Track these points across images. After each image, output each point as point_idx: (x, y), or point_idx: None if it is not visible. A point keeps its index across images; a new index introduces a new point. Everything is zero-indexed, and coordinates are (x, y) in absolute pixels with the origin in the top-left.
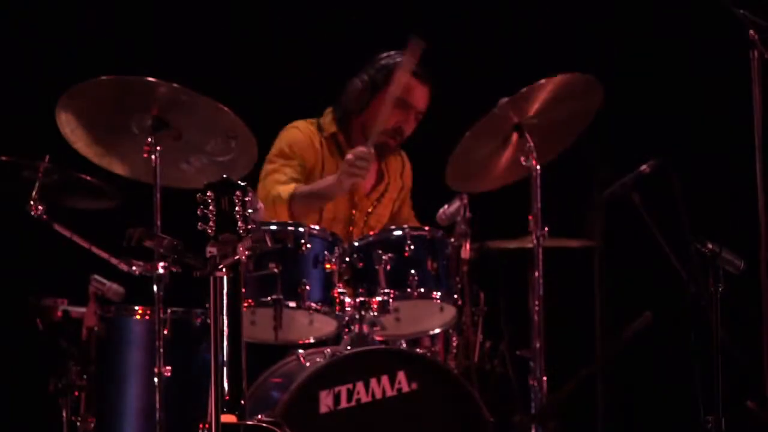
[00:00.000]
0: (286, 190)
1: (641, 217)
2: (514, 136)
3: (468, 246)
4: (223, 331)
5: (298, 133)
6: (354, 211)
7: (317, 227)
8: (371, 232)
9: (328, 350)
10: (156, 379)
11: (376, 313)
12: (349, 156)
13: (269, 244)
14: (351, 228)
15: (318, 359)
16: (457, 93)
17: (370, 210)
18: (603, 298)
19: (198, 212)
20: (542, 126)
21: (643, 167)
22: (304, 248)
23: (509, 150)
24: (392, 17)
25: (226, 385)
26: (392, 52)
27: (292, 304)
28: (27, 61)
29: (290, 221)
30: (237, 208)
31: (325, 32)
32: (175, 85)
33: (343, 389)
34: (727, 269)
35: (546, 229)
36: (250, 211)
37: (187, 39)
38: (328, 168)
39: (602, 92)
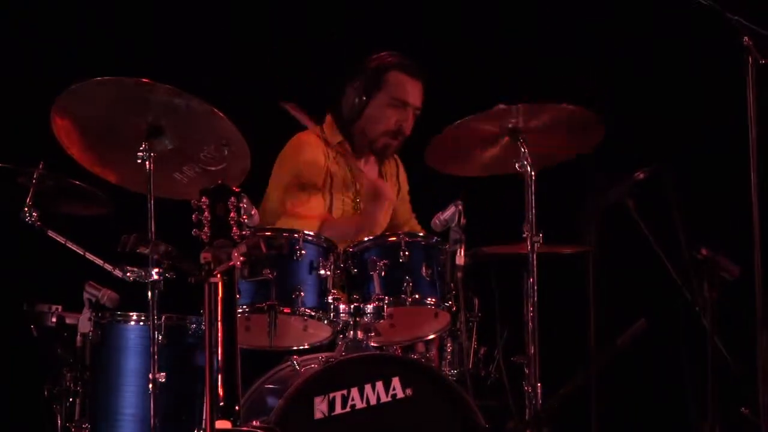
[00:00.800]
0: (309, 227)
1: (636, 223)
2: (506, 139)
3: (462, 252)
4: (217, 337)
5: (307, 148)
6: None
7: (312, 233)
8: (366, 238)
9: (323, 356)
10: (151, 385)
11: (370, 319)
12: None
13: (264, 250)
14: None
15: (313, 365)
16: (454, 98)
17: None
18: (597, 304)
19: (193, 218)
20: (536, 141)
21: (638, 173)
22: (298, 254)
23: (497, 148)
24: (389, 19)
25: (220, 391)
26: (383, 53)
27: (287, 310)
28: (22, 67)
29: (285, 227)
30: (232, 214)
31: (321, 32)
32: (168, 86)
33: (338, 395)
34: (722, 275)
35: (540, 235)
36: (244, 217)
37: (182, 44)
38: (336, 181)
39: (603, 132)
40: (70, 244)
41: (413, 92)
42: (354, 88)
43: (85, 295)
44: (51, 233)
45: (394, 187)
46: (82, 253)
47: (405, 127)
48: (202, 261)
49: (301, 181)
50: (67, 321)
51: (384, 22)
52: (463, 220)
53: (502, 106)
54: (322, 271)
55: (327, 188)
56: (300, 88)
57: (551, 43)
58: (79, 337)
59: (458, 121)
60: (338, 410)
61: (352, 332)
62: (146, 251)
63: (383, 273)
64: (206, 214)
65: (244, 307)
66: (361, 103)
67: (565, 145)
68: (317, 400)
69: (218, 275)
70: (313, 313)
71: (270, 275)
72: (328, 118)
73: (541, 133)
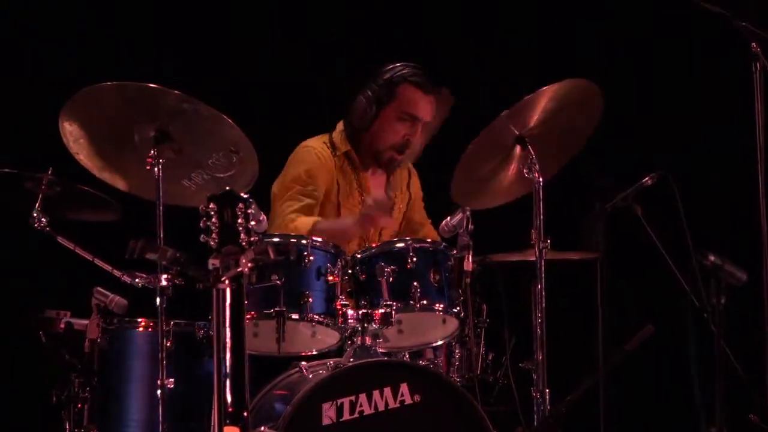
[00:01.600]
0: (305, 224)
1: (643, 229)
2: (517, 149)
3: (470, 258)
4: (225, 343)
5: (313, 156)
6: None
7: (320, 239)
8: (374, 244)
9: (331, 362)
10: (159, 391)
11: (378, 325)
12: (369, 202)
13: (272, 256)
14: (367, 244)
15: (321, 371)
16: (464, 102)
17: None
18: (605, 310)
19: (201, 224)
20: (545, 136)
21: (645, 179)
22: (306, 260)
23: (514, 164)
24: (396, 27)
25: (229, 397)
26: (397, 65)
27: (295, 316)
28: (31, 72)
29: (293, 233)
30: (240, 220)
31: (331, 42)
32: (177, 92)
33: (346, 401)
34: (729, 282)
35: (548, 240)
36: (252, 223)
37: (190, 49)
38: (343, 188)
39: (602, 97)
40: (79, 250)
41: (425, 107)
42: (366, 97)
43: (94, 301)
44: (60, 239)
45: (404, 196)
46: (90, 259)
47: (413, 142)
48: (211, 267)
49: (305, 189)
50: (76, 327)
51: (393, 27)
52: (471, 226)
53: (505, 112)
54: (330, 277)
55: (334, 197)
56: (312, 95)
57: (553, 45)
58: (87, 343)
59: (471, 145)
60: (346, 416)
61: (360, 338)
62: (154, 257)
63: (391, 279)
64: (214, 220)
65: (253, 313)
66: (371, 114)
67: (572, 127)
68: (325, 406)
69: (226, 281)
70: (321, 319)
71: (278, 281)
72: (339, 125)
73: (546, 125)
